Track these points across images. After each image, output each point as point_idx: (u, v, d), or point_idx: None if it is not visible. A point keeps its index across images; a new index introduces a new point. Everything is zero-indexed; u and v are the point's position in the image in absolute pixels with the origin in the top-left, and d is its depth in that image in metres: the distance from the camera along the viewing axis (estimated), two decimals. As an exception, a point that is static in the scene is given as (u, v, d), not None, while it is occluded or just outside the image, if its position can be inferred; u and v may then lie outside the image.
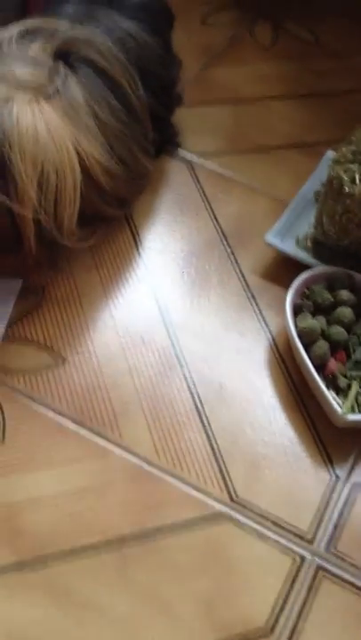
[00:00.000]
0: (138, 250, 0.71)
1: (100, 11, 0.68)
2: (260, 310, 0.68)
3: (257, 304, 0.68)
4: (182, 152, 0.80)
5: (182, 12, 0.78)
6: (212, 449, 0.58)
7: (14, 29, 0.63)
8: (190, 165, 0.79)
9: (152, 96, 0.68)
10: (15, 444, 0.56)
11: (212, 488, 0.56)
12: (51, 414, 0.58)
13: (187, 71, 0.89)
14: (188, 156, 0.80)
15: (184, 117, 0.83)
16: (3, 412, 0.58)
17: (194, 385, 0.62)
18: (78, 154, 0.59)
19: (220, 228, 0.74)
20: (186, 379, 0.62)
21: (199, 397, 0.61)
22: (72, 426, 0.58)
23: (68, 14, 0.66)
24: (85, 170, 0.60)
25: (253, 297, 0.69)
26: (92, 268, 0.69)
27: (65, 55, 0.62)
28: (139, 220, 0.73)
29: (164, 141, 0.77)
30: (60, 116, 0.58)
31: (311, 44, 0.96)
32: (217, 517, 0.55)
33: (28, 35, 0.63)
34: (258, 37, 0.96)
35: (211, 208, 0.75)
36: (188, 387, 0.62)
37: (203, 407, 0.61)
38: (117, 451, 0.57)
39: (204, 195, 0.76)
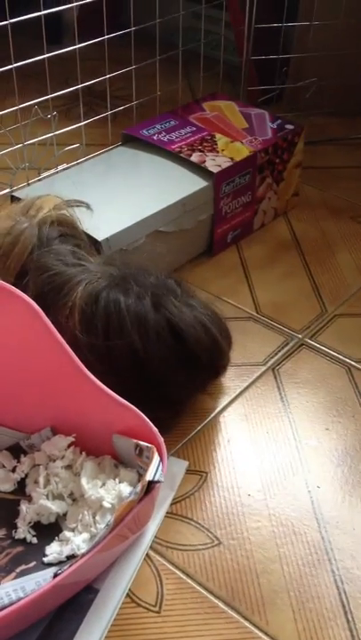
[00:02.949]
0: (296, 445, 0.76)
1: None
2: None
3: None
4: (342, 358, 0.87)
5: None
6: (356, 648, 0.59)
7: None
8: (349, 369, 0.85)
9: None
10: (169, 615, 0.61)
11: None
12: (203, 591, 0.63)
13: (351, 286, 0.98)
14: (348, 361, 0.87)
15: (346, 326, 0.91)
16: (162, 585, 0.63)
17: (341, 582, 0.64)
18: None
19: (375, 430, 0.78)
20: (334, 574, 0.65)
21: (346, 595, 0.63)
22: (222, 605, 0.62)
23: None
24: None
25: None
26: (250, 458, 0.75)
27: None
28: (296, 417, 0.79)
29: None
30: None
31: None
32: None
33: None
34: None
35: (366, 411, 0.80)
36: (336, 583, 0.64)
37: (349, 605, 0.62)
38: (263, 637, 0.60)
39: (361, 398, 0.82)
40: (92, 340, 0.70)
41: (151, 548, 0.66)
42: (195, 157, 0.99)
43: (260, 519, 0.69)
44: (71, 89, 1.04)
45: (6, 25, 0.90)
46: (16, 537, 0.65)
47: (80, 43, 1.00)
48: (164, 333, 0.71)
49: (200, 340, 0.73)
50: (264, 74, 1.32)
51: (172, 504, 0.70)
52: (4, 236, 0.77)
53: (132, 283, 0.73)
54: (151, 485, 0.59)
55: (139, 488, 0.58)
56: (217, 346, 0.75)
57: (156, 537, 0.67)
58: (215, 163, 0.98)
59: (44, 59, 0.96)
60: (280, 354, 0.88)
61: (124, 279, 0.73)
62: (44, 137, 1.04)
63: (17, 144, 1.01)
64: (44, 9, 0.94)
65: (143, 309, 0.71)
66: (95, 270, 0.75)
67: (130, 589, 0.62)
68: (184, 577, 0.64)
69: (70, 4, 1.02)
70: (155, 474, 0.59)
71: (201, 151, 1.00)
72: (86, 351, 0.69)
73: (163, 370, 0.71)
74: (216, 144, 1.02)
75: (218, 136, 1.03)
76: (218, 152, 1.00)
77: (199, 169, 0.98)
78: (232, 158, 0.99)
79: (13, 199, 0.93)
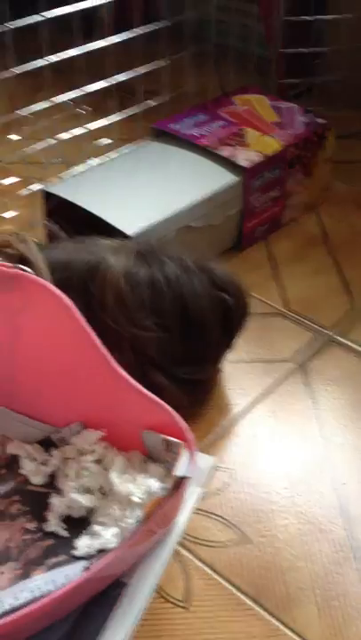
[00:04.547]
0: (323, 442, 0.76)
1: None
2: None
3: None
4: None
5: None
6: (382, 647, 0.59)
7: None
8: (377, 368, 0.85)
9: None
10: (197, 612, 0.61)
11: None
12: (230, 588, 0.63)
13: None
14: (376, 358, 0.86)
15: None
16: (190, 581, 0.64)
17: (367, 580, 0.64)
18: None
19: None
20: (359, 572, 0.65)
21: (372, 593, 0.63)
22: (249, 602, 0.62)
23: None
24: None
25: None
26: (276, 455, 0.75)
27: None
28: (323, 414, 0.79)
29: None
30: None
31: None
32: None
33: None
34: None
35: (395, 410, 0.80)
36: (362, 581, 0.64)
37: (375, 604, 0.63)
38: (289, 633, 0.60)
39: (389, 396, 0.82)
40: (141, 295, 0.73)
41: (179, 543, 0.67)
42: (225, 152, 0.99)
43: (287, 517, 0.69)
44: (103, 83, 1.04)
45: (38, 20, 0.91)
46: (47, 530, 0.66)
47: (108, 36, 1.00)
48: (209, 288, 0.76)
49: (238, 294, 0.79)
50: (295, 67, 1.31)
51: (199, 500, 0.70)
52: None
53: (164, 254, 0.77)
54: (180, 481, 0.60)
55: (168, 484, 0.59)
56: (245, 305, 0.81)
57: (183, 533, 0.67)
58: (245, 157, 0.98)
59: (77, 54, 0.96)
60: (309, 350, 0.88)
61: (157, 250, 0.77)
62: (74, 131, 1.04)
63: (48, 139, 1.02)
64: (76, 3, 0.94)
65: (187, 270, 0.76)
66: (117, 245, 0.77)
67: (158, 585, 0.63)
68: (211, 573, 0.64)
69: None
70: (184, 470, 0.60)
71: (231, 145, 1.00)
72: (135, 310, 0.73)
73: (206, 322, 0.76)
74: (246, 138, 1.01)
75: (248, 130, 1.03)
76: (248, 146, 1.00)
77: (229, 163, 0.98)
78: (262, 153, 0.99)
79: (45, 194, 0.93)
